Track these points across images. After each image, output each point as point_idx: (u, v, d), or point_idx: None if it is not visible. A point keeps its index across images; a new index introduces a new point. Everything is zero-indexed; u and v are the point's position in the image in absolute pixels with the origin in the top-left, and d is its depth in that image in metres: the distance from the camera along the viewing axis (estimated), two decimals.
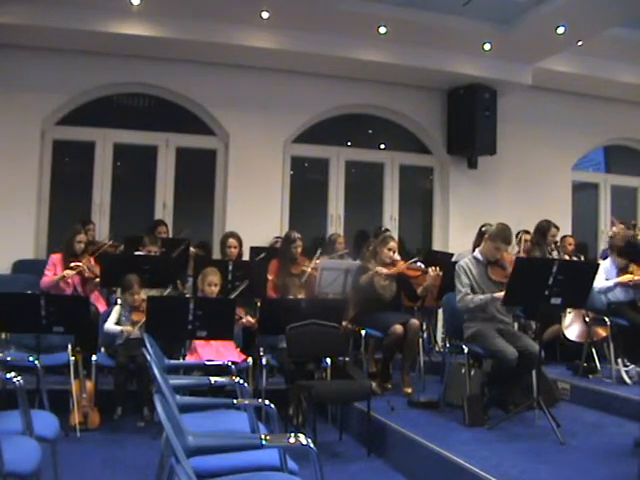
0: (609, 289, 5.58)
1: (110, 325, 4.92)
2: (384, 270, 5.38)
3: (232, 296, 5.10)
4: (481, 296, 4.53)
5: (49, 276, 5.60)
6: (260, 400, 3.10)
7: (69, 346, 4.67)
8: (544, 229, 6.57)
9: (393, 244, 5.56)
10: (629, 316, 5.50)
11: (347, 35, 7.19)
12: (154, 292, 5.17)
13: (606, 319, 5.53)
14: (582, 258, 6.90)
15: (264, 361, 4.89)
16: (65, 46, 7.03)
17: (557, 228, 6.66)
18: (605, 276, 5.62)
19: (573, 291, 4.24)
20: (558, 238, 6.80)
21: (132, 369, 4.70)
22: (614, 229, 6.28)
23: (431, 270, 5.40)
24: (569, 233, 7.91)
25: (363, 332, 5.40)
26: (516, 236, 6.68)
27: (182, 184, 7.79)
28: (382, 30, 6.98)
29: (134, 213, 7.93)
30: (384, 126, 8.58)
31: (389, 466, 4.14)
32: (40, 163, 7.26)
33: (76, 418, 4.51)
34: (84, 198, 7.48)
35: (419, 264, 5.88)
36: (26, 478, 2.42)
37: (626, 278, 5.54)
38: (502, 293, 4.34)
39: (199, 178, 8.06)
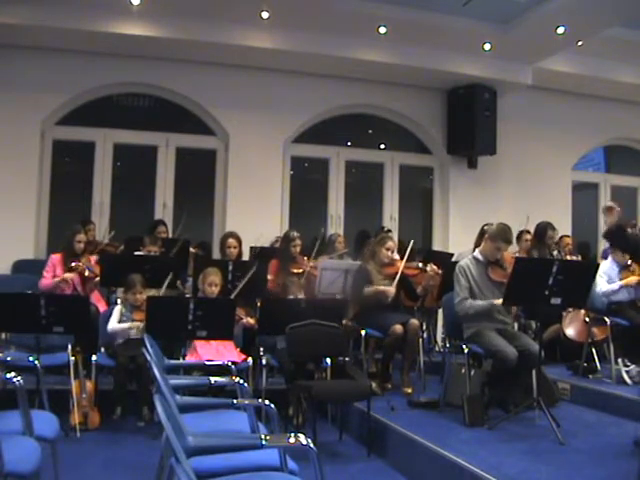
0: (614, 292, 5.57)
1: (114, 324, 4.92)
2: (392, 290, 5.28)
3: (240, 284, 5.10)
4: (480, 302, 4.52)
5: (47, 278, 5.56)
6: (260, 400, 3.10)
7: (69, 346, 4.67)
8: (542, 230, 6.58)
9: (391, 244, 5.55)
10: (629, 316, 5.51)
11: (347, 35, 7.19)
12: (153, 292, 5.17)
13: (606, 319, 5.54)
14: (580, 258, 6.89)
15: (264, 361, 4.89)
16: (65, 46, 7.03)
17: (554, 230, 6.66)
18: (607, 276, 5.62)
19: (573, 291, 4.24)
20: (557, 237, 6.81)
21: (132, 369, 4.70)
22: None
23: (429, 268, 5.39)
24: (569, 233, 7.91)
25: (363, 332, 5.39)
26: (517, 236, 6.68)
27: (182, 184, 7.79)
28: (382, 30, 6.98)
29: (134, 213, 7.93)
30: (384, 126, 8.58)
31: (389, 466, 4.14)
32: (40, 163, 7.25)
33: (76, 418, 4.50)
34: (84, 198, 7.48)
35: (416, 263, 5.87)
36: (26, 478, 2.42)
37: (632, 280, 5.54)
38: (501, 300, 4.34)
39: (199, 178, 8.07)
